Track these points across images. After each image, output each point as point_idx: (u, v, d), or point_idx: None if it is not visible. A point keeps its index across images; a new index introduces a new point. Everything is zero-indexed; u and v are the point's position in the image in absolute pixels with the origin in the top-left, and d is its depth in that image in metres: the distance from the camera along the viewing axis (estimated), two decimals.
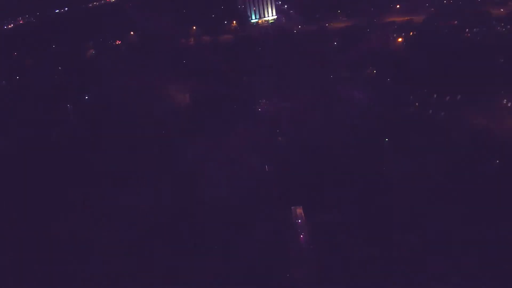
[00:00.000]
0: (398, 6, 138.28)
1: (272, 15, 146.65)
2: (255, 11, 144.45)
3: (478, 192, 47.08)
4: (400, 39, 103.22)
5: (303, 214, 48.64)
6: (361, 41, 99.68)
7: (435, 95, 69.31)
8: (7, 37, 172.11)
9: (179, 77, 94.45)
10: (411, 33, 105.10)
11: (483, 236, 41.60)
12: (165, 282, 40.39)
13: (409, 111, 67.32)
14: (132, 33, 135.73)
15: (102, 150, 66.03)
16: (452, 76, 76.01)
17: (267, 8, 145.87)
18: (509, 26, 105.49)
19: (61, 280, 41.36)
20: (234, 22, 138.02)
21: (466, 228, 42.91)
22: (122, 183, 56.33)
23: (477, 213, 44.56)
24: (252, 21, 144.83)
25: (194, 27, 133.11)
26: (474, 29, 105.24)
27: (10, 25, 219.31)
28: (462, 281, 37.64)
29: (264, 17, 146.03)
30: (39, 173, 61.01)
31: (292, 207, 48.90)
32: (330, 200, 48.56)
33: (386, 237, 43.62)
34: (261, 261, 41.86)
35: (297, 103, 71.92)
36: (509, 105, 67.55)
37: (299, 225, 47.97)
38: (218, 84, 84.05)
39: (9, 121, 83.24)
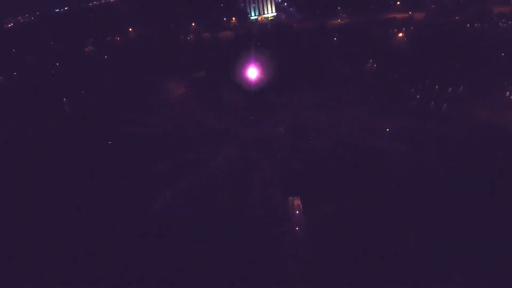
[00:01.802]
0: (398, 3, 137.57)
1: (272, 12, 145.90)
2: (254, 8, 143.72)
3: (481, 186, 45.86)
4: (400, 34, 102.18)
5: (300, 205, 47.39)
6: (361, 36, 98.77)
7: (436, 86, 68.15)
8: (7, 36, 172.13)
9: (177, 72, 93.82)
10: (411, 28, 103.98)
11: (486, 233, 40.48)
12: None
13: (410, 103, 66.15)
14: (130, 29, 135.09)
15: (96, 144, 65.10)
16: (453, 70, 75.15)
17: (267, 5, 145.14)
18: (510, 22, 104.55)
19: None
20: (234, 19, 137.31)
21: (469, 223, 41.76)
22: (118, 177, 55.26)
23: (480, 208, 43.33)
24: (251, 18, 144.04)
25: (194, 24, 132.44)
26: (476, 25, 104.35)
27: (10, 24, 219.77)
28: (464, 279, 36.48)
29: (264, 14, 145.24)
30: (35, 166, 60.36)
31: (290, 198, 47.64)
32: (329, 192, 47.21)
33: (386, 232, 42.45)
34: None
35: (296, 97, 71.01)
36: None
37: (297, 216, 46.72)
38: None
39: (6, 114, 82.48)
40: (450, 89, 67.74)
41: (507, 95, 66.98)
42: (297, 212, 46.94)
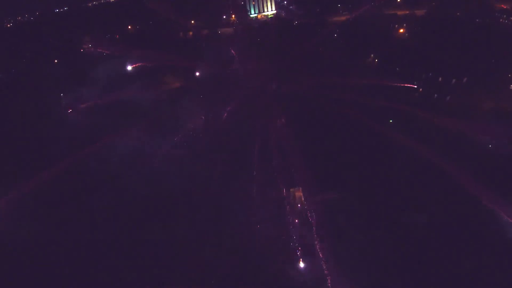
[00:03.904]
0: (398, 0, 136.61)
1: (272, 10, 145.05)
2: (254, 5, 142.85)
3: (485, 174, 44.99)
4: (402, 30, 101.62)
5: (302, 197, 46.27)
6: (362, 31, 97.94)
7: (440, 79, 67.28)
8: (5, 35, 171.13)
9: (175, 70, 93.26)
10: (412, 23, 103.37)
11: (491, 219, 39.60)
12: None
13: (413, 95, 65.32)
14: (130, 27, 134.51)
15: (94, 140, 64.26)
16: (455, 65, 74.18)
17: (267, 3, 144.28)
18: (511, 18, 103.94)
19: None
20: (233, 16, 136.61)
21: (473, 210, 40.87)
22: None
23: (485, 195, 42.42)
24: (251, 16, 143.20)
25: (193, 21, 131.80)
26: (477, 20, 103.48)
27: (9, 24, 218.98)
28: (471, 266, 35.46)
29: (264, 12, 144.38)
30: (29, 161, 59.28)
31: (291, 189, 46.57)
32: (332, 181, 46.35)
33: (390, 220, 41.50)
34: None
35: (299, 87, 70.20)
36: None
37: (299, 209, 45.54)
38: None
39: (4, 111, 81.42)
40: (453, 80, 66.80)
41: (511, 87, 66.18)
42: (299, 205, 45.67)
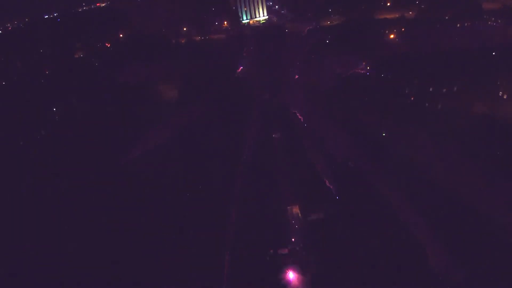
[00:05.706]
0: (388, 4, 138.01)
1: (263, 16, 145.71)
2: (246, 11, 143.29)
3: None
4: (392, 36, 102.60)
5: (299, 214, 46.69)
6: (353, 37, 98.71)
7: (431, 88, 68.27)
8: None
9: (169, 76, 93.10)
10: (403, 29, 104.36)
11: (487, 229, 40.38)
12: None
13: (405, 104, 66.11)
14: (121, 35, 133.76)
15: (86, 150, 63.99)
16: (445, 69, 75.13)
17: (258, 8, 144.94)
18: (499, 20, 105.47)
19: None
20: (226, 22, 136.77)
21: (470, 219, 41.59)
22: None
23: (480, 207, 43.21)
24: (243, 21, 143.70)
25: (185, 28, 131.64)
26: (466, 24, 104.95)
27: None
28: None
29: (255, 17, 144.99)
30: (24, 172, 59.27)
31: (288, 207, 46.97)
32: (328, 196, 46.84)
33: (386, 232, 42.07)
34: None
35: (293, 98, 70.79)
36: (504, 97, 66.85)
37: (296, 228, 45.71)
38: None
39: None
40: (444, 90, 67.87)
41: (500, 94, 67.30)
42: (297, 226, 45.56)
